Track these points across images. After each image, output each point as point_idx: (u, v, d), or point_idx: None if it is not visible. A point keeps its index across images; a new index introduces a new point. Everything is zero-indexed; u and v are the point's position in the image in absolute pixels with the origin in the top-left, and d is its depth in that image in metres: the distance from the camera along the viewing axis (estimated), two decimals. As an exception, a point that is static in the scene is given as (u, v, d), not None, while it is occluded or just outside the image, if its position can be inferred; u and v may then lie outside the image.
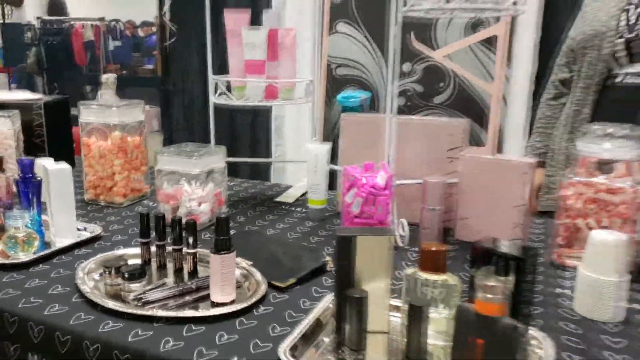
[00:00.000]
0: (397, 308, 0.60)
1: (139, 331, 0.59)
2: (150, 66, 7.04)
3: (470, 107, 1.74)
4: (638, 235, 0.73)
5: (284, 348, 0.54)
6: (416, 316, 0.55)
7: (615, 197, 0.73)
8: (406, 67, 1.79)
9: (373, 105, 1.81)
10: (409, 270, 0.57)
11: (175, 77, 2.44)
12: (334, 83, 1.97)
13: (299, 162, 1.22)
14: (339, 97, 1.20)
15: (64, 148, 1.34)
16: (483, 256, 0.53)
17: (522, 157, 1.05)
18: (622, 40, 1.03)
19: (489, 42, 1.68)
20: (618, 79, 1.05)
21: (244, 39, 1.00)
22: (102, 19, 5.92)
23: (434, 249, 0.56)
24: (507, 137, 1.78)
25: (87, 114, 1.06)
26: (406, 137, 0.92)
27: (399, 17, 0.84)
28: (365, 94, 1.27)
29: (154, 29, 7.88)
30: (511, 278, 0.51)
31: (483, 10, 0.84)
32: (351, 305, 0.57)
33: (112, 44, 5.97)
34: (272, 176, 2.14)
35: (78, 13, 6.80)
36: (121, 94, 6.05)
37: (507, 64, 1.72)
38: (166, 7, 2.35)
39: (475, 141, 1.72)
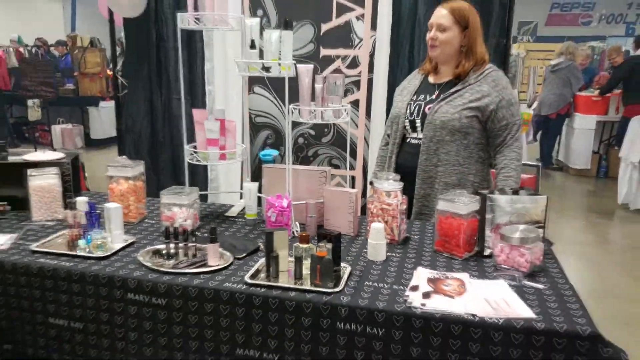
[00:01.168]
0: (292, 259, 1.44)
1: (181, 278, 1.38)
2: (70, 86, 7.37)
3: (344, 145, 2.63)
4: (400, 223, 1.62)
5: (247, 276, 1.36)
6: (297, 262, 1.39)
7: (389, 207, 1.63)
8: (302, 117, 2.64)
9: (283, 145, 2.66)
10: (295, 244, 1.41)
11: (126, 120, 3.10)
12: (254, 127, 2.79)
13: (233, 192, 2.02)
14: (260, 154, 2.00)
15: (77, 186, 2.03)
16: (323, 235, 1.38)
17: (351, 189, 1.89)
18: (407, 120, 1.96)
19: (356, 104, 2.58)
20: (407, 140, 1.98)
21: (206, 127, 1.78)
22: (26, 46, 6.20)
23: (303, 234, 1.40)
24: (372, 164, 2.70)
25: (112, 171, 1.79)
26: (298, 178, 1.77)
27: (290, 124, 1.68)
28: (275, 152, 2.08)
29: (68, 48, 8.12)
30: (330, 244, 1.36)
31: (328, 121, 1.69)
32: (273, 259, 1.39)
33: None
34: (209, 196, 2.90)
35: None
36: (45, 112, 6.70)
37: (368, 116, 2.63)
38: (119, 67, 3.01)
39: (351, 167, 2.62)
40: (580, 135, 6.02)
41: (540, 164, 2.48)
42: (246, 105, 2.01)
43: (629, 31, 16.13)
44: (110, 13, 3.00)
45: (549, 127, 6.35)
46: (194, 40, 2.87)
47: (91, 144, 7.33)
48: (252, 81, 2.73)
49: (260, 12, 2.67)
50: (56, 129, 6.85)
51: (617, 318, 2.81)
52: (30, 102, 5.78)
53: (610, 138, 5.98)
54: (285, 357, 1.31)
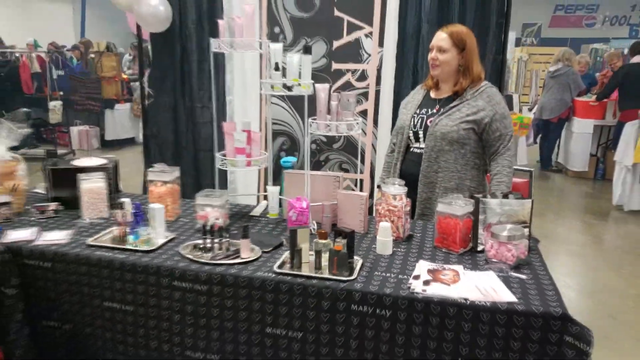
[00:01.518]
0: (312, 252, 1.69)
1: (218, 269, 1.63)
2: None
3: (353, 150, 2.88)
4: (405, 222, 1.87)
5: (275, 266, 1.61)
6: (317, 255, 1.64)
7: (395, 209, 1.87)
8: (315, 126, 2.89)
9: (297, 150, 2.91)
10: (315, 239, 1.66)
11: (151, 125, 3.36)
12: (272, 134, 3.04)
13: (254, 195, 2.27)
14: (282, 161, 2.25)
15: (117, 188, 2.29)
16: (339, 232, 1.63)
17: (360, 192, 2.13)
18: (411, 131, 2.20)
19: (364, 113, 2.83)
20: (411, 149, 2.23)
21: (235, 137, 2.03)
22: (47, 52, 6.47)
23: (322, 231, 1.65)
24: (379, 168, 2.94)
25: (152, 176, 2.04)
26: (315, 182, 2.01)
27: (308, 135, 1.93)
28: (293, 159, 2.33)
29: (80, 53, 8.38)
30: (344, 240, 1.60)
31: (342, 134, 1.94)
32: (296, 252, 1.64)
33: (55, 73, 6.54)
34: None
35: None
36: (64, 112, 7.04)
37: (375, 125, 2.88)
38: (145, 77, 3.27)
39: (360, 171, 2.87)
40: (579, 139, 6.25)
41: (532, 169, 2.70)
42: (269, 117, 2.29)
43: (632, 33, 16.28)
44: (138, 27, 3.26)
45: (549, 131, 6.59)
46: (216, 55, 3.11)
47: (106, 145, 7.60)
48: (270, 92, 2.97)
49: (277, 29, 2.91)
50: (74, 130, 7.12)
51: (608, 313, 3.04)
52: (51, 105, 6.06)
53: (608, 141, 6.20)
54: (307, 335, 1.55)
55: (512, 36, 10.41)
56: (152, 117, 3.35)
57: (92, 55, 7.41)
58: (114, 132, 7.64)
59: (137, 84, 7.60)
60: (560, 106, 6.17)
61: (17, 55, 6.32)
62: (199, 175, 3.31)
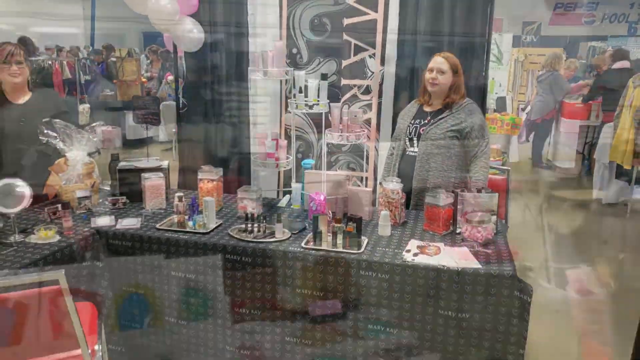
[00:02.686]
0: (330, 233, 2.22)
1: (260, 245, 2.17)
2: (109, 92, 8.17)
3: (359, 153, 3.42)
4: (400, 211, 2.40)
5: (302, 243, 2.15)
6: (334, 235, 2.18)
7: (393, 201, 2.41)
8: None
9: (311, 152, 3.46)
10: (332, 223, 2.20)
11: (185, 130, 3.90)
12: (289, 138, 3.58)
13: (272, 190, 2.81)
14: (303, 162, 2.79)
15: (169, 184, 2.83)
16: (349, 219, 2.16)
17: (365, 187, 2.68)
18: (407, 138, 2.74)
19: (368, 122, 3.36)
20: (407, 152, 2.76)
21: (266, 144, 2.56)
22: (76, 57, 7.01)
23: (337, 218, 2.19)
24: (380, 168, 3.47)
25: (202, 175, 2.59)
26: (330, 181, 2.55)
27: (325, 144, 2.46)
28: (312, 161, 2.86)
29: (102, 57, 8.90)
30: (354, 224, 2.14)
31: (351, 142, 2.47)
32: (318, 233, 2.18)
33: (83, 78, 7.07)
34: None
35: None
36: (92, 117, 7.70)
37: (378, 131, 3.40)
38: (180, 89, 3.80)
39: (365, 170, 3.40)
40: (566, 138, 6.77)
41: (509, 168, 3.23)
42: (293, 126, 2.83)
43: (631, 30, 16.67)
44: (174, 46, 3.78)
45: (537, 131, 7.12)
46: (241, 69, 3.65)
47: (127, 144, 8.13)
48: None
49: (295, 50, 3.44)
50: (97, 130, 7.65)
51: (570, 286, 3.58)
52: (80, 108, 6.60)
53: (593, 140, 6.71)
54: (327, 293, 2.10)
55: (509, 37, 10.88)
56: (186, 123, 3.88)
57: (114, 59, 7.95)
58: (135, 132, 8.17)
59: (156, 89, 8.13)
60: (543, 108, 6.71)
61: (49, 62, 6.86)
62: (226, 173, 3.83)
